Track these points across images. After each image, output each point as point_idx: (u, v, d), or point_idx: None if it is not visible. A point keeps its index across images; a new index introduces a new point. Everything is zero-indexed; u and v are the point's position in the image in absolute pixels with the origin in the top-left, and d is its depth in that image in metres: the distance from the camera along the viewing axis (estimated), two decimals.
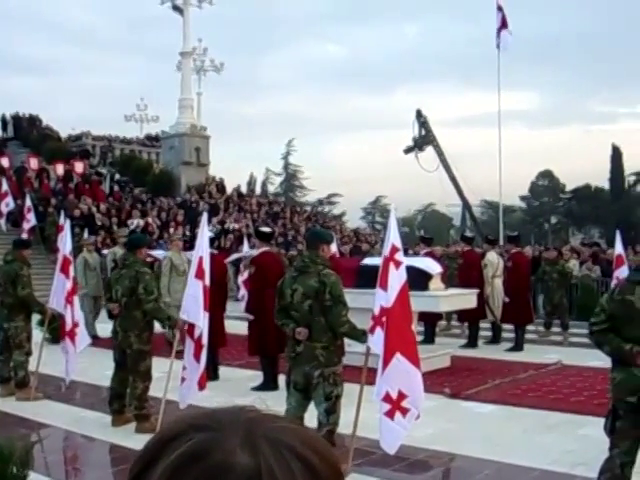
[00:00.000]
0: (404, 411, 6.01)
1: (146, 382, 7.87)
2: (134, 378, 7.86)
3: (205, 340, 7.71)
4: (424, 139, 33.76)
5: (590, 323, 5.16)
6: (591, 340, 5.22)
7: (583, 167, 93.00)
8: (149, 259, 14.54)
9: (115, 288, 8.05)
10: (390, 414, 6.00)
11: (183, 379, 7.68)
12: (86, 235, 18.88)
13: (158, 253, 15.05)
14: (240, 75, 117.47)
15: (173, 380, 7.91)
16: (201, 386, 7.67)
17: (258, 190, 66.16)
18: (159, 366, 8.36)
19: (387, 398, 6.02)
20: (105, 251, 17.25)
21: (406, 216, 77.68)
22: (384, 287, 6.22)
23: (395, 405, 6.00)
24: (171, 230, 24.61)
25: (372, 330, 6.30)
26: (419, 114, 33.79)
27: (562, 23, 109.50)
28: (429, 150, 34.25)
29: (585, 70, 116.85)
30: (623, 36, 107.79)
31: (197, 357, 7.67)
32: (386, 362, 6.06)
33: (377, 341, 6.21)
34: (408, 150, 34.41)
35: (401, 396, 6.00)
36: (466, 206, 36.95)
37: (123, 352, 7.96)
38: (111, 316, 8.20)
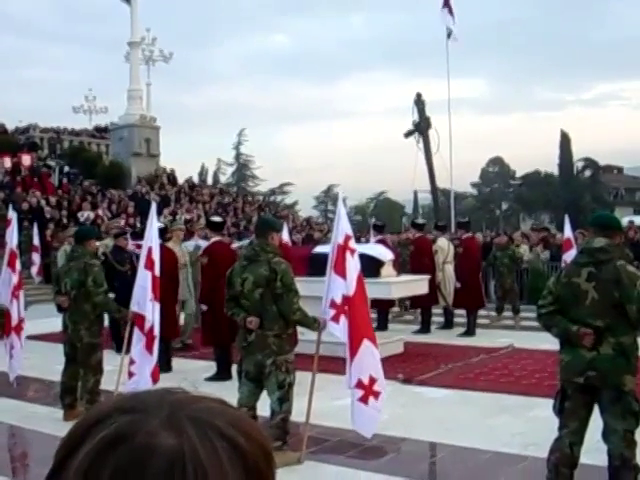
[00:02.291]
0: (376, 395, 6.16)
1: (97, 375, 7.78)
2: (85, 371, 7.77)
3: (157, 331, 7.65)
4: (426, 123, 33.23)
5: (538, 306, 5.21)
6: (539, 322, 5.28)
7: (532, 153, 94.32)
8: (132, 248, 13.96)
9: (64, 281, 7.94)
10: (364, 399, 6.13)
11: (131, 374, 7.60)
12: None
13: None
14: (190, 65, 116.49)
15: (125, 373, 7.84)
16: (154, 378, 7.61)
17: (210, 181, 65.83)
18: (111, 359, 8.28)
19: (359, 384, 6.13)
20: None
21: (359, 204, 77.84)
22: (343, 275, 6.30)
23: (368, 390, 6.13)
24: (121, 221, 24.31)
25: (336, 319, 6.37)
26: (419, 98, 33.46)
27: (509, 10, 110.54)
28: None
29: (532, 57, 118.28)
30: (569, 23, 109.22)
31: (149, 349, 7.61)
32: (354, 349, 6.18)
33: (342, 330, 6.31)
34: (409, 134, 34.10)
35: (372, 381, 6.14)
36: (434, 193, 36.87)
37: (73, 346, 7.86)
38: (60, 309, 8.08)
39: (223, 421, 0.76)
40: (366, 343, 6.14)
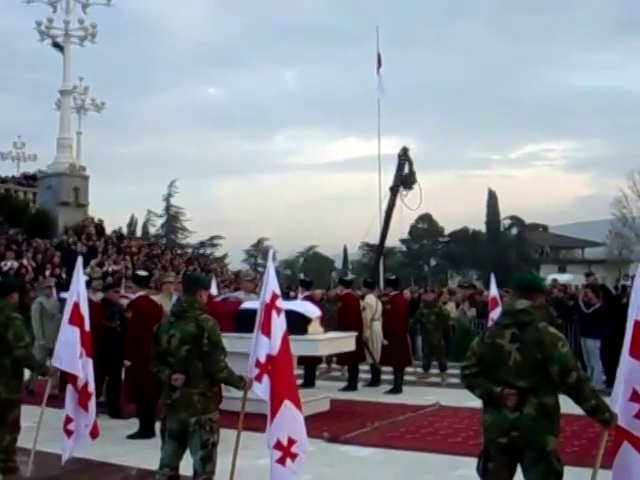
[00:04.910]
0: (293, 456, 6.15)
1: (14, 433, 7.48)
2: (1, 429, 7.50)
3: (92, 388, 7.52)
4: (411, 177, 32.83)
5: (461, 367, 5.26)
6: (463, 384, 5.32)
7: (461, 211, 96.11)
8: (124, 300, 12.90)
9: None
10: (282, 461, 6.12)
11: (69, 431, 7.42)
12: None
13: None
14: (122, 115, 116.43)
15: (44, 430, 7.61)
16: (93, 435, 7.46)
17: (139, 232, 65.15)
18: (29, 415, 8.03)
19: (278, 445, 6.13)
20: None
21: (288, 258, 77.94)
22: (268, 334, 6.32)
23: (286, 452, 6.12)
24: (47, 273, 23.82)
25: (259, 378, 6.39)
26: (404, 152, 33.21)
27: (440, 73, 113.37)
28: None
29: (461, 118, 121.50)
30: (494, 86, 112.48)
31: (84, 406, 7.46)
32: (275, 410, 6.19)
33: (265, 389, 6.34)
34: (395, 187, 33.73)
35: (291, 442, 6.15)
36: (380, 248, 36.48)
37: None
38: None
39: None
40: (286, 404, 6.17)
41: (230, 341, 7.45)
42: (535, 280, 5.49)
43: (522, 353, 4.90)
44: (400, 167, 32.74)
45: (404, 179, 32.65)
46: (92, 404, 7.49)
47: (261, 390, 6.35)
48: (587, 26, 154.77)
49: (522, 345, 4.91)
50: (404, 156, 32.96)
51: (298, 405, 6.28)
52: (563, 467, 4.92)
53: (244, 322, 9.38)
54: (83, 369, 7.52)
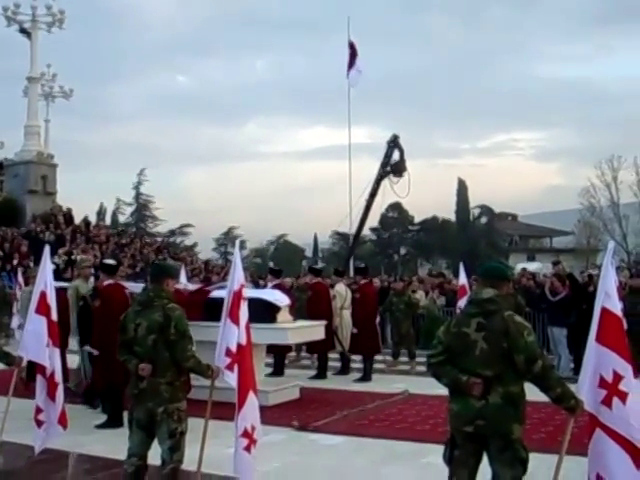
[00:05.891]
0: (255, 443, 6.25)
1: None
2: None
3: (59, 378, 7.47)
4: (402, 165, 32.38)
5: (428, 355, 5.29)
6: (429, 372, 5.36)
7: (431, 200, 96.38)
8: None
9: None
10: (247, 448, 6.19)
11: (40, 422, 7.36)
12: None
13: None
14: (91, 103, 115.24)
15: (11, 420, 7.55)
16: (63, 425, 7.43)
17: (108, 220, 64.68)
18: None
19: (245, 434, 6.19)
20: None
21: (259, 247, 77.81)
22: (237, 323, 6.40)
23: (251, 439, 6.20)
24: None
25: (231, 367, 6.43)
26: (394, 140, 32.75)
27: (411, 61, 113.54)
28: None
29: (429, 107, 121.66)
30: (463, 75, 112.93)
31: (52, 396, 7.41)
32: (243, 399, 6.25)
33: (236, 378, 6.40)
34: (384, 175, 33.40)
35: (253, 429, 6.24)
36: (357, 235, 36.32)
37: None
38: None
39: None
40: (251, 394, 6.28)
41: (198, 330, 7.44)
42: (501, 269, 5.50)
43: (488, 342, 4.92)
44: (388, 154, 32.50)
45: (394, 166, 32.39)
46: (59, 394, 7.44)
47: (233, 379, 6.40)
48: (557, 17, 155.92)
49: (488, 334, 4.94)
50: (393, 143, 32.67)
51: (256, 392, 6.42)
52: (529, 455, 4.97)
53: (213, 310, 9.35)
54: (50, 358, 7.46)
